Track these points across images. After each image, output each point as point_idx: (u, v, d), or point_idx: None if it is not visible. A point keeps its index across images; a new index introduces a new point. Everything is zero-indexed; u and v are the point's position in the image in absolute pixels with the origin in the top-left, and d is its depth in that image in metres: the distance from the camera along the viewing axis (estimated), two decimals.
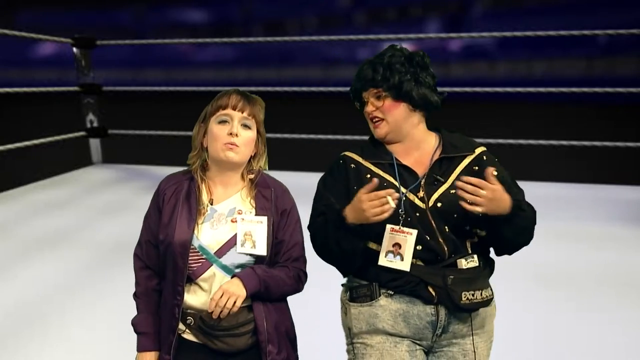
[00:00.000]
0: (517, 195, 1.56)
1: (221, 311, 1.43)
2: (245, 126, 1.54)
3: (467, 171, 1.55)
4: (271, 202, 1.56)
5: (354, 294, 1.56)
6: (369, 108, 1.58)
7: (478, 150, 1.60)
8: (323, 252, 1.56)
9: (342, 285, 1.65)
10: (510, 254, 1.63)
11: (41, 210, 4.35)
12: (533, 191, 5.33)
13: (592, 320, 2.65)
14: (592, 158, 5.90)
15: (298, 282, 1.57)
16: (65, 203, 4.56)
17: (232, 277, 1.48)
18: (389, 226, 1.49)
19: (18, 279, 3.13)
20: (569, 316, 2.69)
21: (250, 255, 1.51)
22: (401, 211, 1.48)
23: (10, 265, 3.31)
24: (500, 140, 5.02)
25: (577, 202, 4.34)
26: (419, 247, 1.49)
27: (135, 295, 1.59)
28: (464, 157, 1.58)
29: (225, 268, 1.50)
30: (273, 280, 1.50)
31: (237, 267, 1.51)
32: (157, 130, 5.98)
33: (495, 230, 1.51)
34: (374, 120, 1.58)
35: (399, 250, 1.48)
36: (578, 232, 3.71)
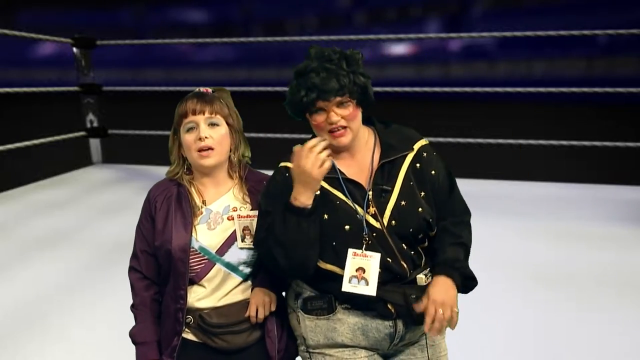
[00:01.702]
0: (455, 203, 1.55)
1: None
2: (213, 124, 1.52)
3: (410, 172, 1.50)
4: None
5: (308, 306, 1.50)
6: (333, 118, 1.42)
7: (417, 147, 1.53)
8: (279, 260, 1.42)
9: (289, 287, 1.59)
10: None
11: (41, 210, 4.35)
12: (533, 191, 5.36)
13: (592, 320, 2.65)
14: (592, 158, 5.89)
15: None
16: (65, 203, 4.56)
17: (252, 289, 1.53)
18: (351, 250, 1.43)
19: (18, 279, 3.13)
20: (569, 316, 2.68)
21: (252, 249, 1.52)
22: (365, 234, 1.43)
23: (10, 265, 3.31)
24: (500, 140, 5.02)
25: (577, 202, 4.34)
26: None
27: (132, 307, 1.57)
28: (404, 157, 1.51)
29: (229, 265, 1.51)
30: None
31: (242, 263, 1.51)
32: (157, 130, 5.97)
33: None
34: (335, 130, 1.44)
35: (363, 275, 1.42)
36: (578, 232, 3.70)
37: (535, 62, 15.98)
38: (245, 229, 1.51)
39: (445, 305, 1.38)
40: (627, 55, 13.93)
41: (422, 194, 1.50)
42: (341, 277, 1.45)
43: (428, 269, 1.50)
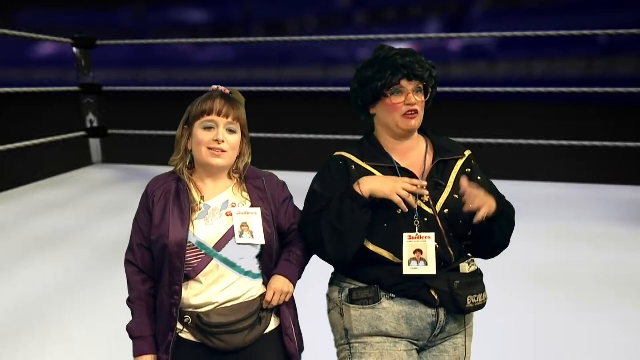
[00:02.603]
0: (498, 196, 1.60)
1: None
2: (231, 131, 1.53)
3: (461, 174, 1.58)
4: (265, 191, 1.58)
5: (353, 296, 1.54)
6: (411, 99, 1.53)
7: (467, 153, 1.64)
8: (326, 242, 1.51)
9: (332, 284, 1.64)
10: (493, 256, 1.65)
11: (41, 210, 4.35)
12: (533, 191, 5.35)
13: (592, 320, 2.65)
14: (592, 158, 5.89)
15: (309, 250, 1.62)
16: (65, 203, 4.55)
17: (273, 276, 1.55)
18: (406, 235, 1.49)
19: (18, 279, 3.13)
20: (569, 316, 2.68)
21: (250, 245, 1.52)
22: (416, 217, 1.50)
23: (10, 265, 3.31)
24: (500, 140, 5.02)
25: (577, 202, 4.34)
26: None
27: (129, 301, 1.58)
28: (457, 160, 1.61)
29: (226, 261, 1.50)
30: (303, 259, 1.60)
31: (240, 258, 1.52)
32: (157, 130, 5.98)
33: (486, 229, 1.53)
34: (409, 113, 1.54)
35: (422, 256, 1.48)
36: (578, 232, 3.70)
37: (535, 62, 15.97)
38: (243, 224, 1.51)
39: (487, 195, 1.47)
40: (627, 55, 13.93)
41: None
42: (389, 261, 1.51)
43: (471, 258, 1.56)
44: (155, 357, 1.53)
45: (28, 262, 3.35)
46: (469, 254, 1.60)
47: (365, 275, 1.54)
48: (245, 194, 1.57)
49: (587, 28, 4.85)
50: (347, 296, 1.56)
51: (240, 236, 1.51)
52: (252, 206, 1.55)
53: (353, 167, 1.56)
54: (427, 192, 1.49)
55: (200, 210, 1.53)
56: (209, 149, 1.51)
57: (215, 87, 1.60)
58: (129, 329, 1.55)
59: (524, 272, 3.07)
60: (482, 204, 1.44)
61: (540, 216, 4.01)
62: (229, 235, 1.51)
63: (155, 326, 1.55)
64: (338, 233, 1.48)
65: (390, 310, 1.52)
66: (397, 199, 1.44)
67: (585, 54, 14.94)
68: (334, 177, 1.57)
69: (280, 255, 1.60)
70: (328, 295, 1.64)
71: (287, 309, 1.59)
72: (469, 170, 1.60)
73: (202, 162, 1.54)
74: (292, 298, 1.61)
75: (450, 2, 19.00)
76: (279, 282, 1.54)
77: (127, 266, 1.59)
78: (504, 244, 1.60)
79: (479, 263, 1.60)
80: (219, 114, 1.51)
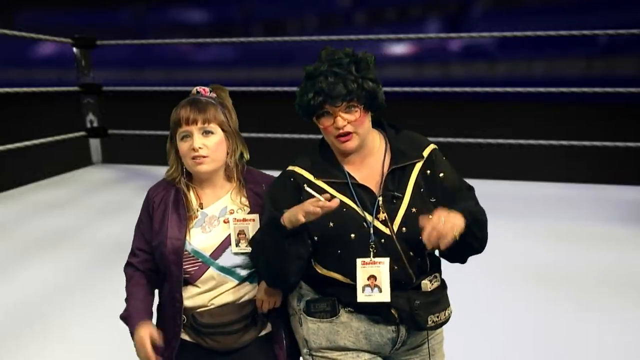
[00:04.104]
0: (467, 199, 1.49)
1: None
2: (207, 132, 1.49)
3: (420, 178, 1.49)
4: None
5: (311, 308, 1.49)
6: (339, 123, 1.42)
7: (426, 153, 1.52)
8: (259, 268, 1.50)
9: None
10: (463, 262, 1.53)
11: (41, 210, 4.35)
12: (533, 191, 5.35)
13: (592, 320, 2.65)
14: (592, 158, 5.89)
15: None
16: (65, 203, 4.55)
17: (260, 282, 1.52)
18: (359, 260, 1.42)
19: (18, 279, 3.13)
20: (569, 316, 2.68)
21: (246, 254, 1.51)
22: (372, 242, 1.43)
23: (10, 265, 3.31)
24: (500, 140, 5.02)
25: (577, 202, 4.34)
26: None
27: (126, 295, 1.58)
28: (414, 164, 1.50)
29: (223, 269, 1.49)
30: None
31: (236, 267, 1.51)
32: (157, 130, 5.97)
33: (457, 245, 1.36)
34: (342, 135, 1.43)
35: (375, 283, 1.42)
36: (578, 232, 3.70)
37: (535, 62, 15.97)
38: (240, 232, 1.50)
39: (448, 218, 1.32)
40: (627, 55, 13.93)
41: (433, 200, 1.49)
42: (345, 283, 1.45)
43: (433, 274, 1.50)
44: (150, 323, 1.50)
45: (28, 262, 3.35)
46: (433, 269, 1.51)
47: (322, 292, 1.50)
48: (244, 200, 1.55)
49: (587, 28, 4.85)
50: (304, 307, 1.52)
51: (237, 245, 1.50)
52: (250, 212, 1.53)
53: (305, 184, 1.46)
54: (338, 202, 1.32)
55: (197, 218, 1.52)
56: (192, 159, 1.49)
57: (193, 89, 1.58)
58: (123, 316, 1.55)
59: (524, 272, 3.07)
60: (444, 234, 1.30)
61: (540, 216, 4.01)
62: (226, 243, 1.50)
63: (151, 305, 1.54)
64: (269, 264, 1.43)
65: (349, 325, 1.47)
66: (308, 217, 1.33)
67: (585, 54, 14.93)
68: (287, 196, 1.48)
69: None
70: (289, 301, 1.58)
71: (278, 315, 1.57)
72: (429, 171, 1.49)
73: (191, 171, 1.54)
74: (284, 303, 1.59)
75: (450, 2, 19.00)
76: (266, 291, 1.52)
77: (127, 269, 1.59)
78: (480, 247, 1.48)
79: (478, 261, 1.58)
80: (187, 123, 1.48)
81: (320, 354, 1.51)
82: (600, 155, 5.67)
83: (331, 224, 1.43)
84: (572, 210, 4.14)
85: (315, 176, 1.49)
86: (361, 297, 1.42)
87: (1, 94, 4.73)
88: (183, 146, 1.50)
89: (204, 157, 1.49)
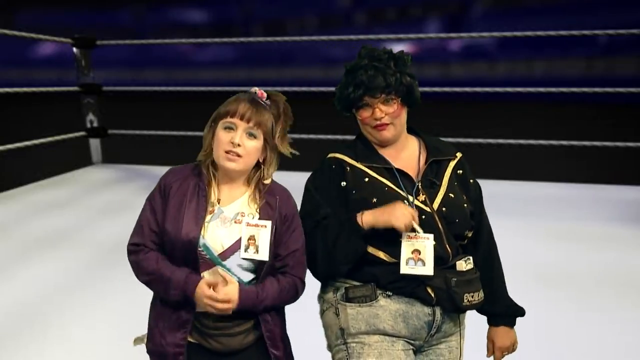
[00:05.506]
0: (482, 222, 1.65)
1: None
2: (251, 135, 1.48)
3: (454, 175, 1.59)
4: (275, 209, 1.52)
5: (350, 294, 1.53)
6: (378, 114, 1.54)
7: (459, 155, 1.65)
8: (318, 260, 1.53)
9: (325, 285, 1.61)
10: None
11: (41, 210, 4.35)
12: (533, 191, 5.34)
13: (592, 320, 2.65)
14: (592, 158, 5.90)
15: (295, 293, 1.54)
16: (65, 203, 4.56)
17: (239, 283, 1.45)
18: (405, 233, 1.48)
19: (18, 279, 3.13)
20: (569, 316, 2.68)
21: (252, 260, 1.49)
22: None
23: (10, 265, 3.31)
24: (500, 140, 5.02)
25: (577, 202, 4.34)
26: None
27: (147, 282, 1.49)
28: (449, 160, 1.61)
29: (228, 271, 1.48)
30: (269, 300, 1.48)
31: (244, 269, 1.49)
32: (157, 130, 5.98)
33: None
34: (379, 125, 1.55)
35: (419, 256, 1.47)
36: (578, 232, 3.70)
37: (535, 62, 15.99)
38: (250, 238, 1.48)
39: (509, 348, 1.72)
40: (627, 55, 13.95)
41: (464, 197, 1.59)
42: (386, 262, 1.50)
43: (467, 256, 1.55)
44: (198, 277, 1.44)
45: (28, 262, 3.35)
46: (467, 252, 1.60)
47: (361, 275, 1.53)
48: (256, 207, 1.52)
49: (587, 28, 4.86)
50: (343, 295, 1.54)
51: (246, 250, 1.47)
52: (260, 218, 1.50)
53: (348, 168, 1.56)
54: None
55: (213, 212, 1.50)
56: (226, 152, 1.48)
57: (254, 89, 1.57)
58: (176, 284, 1.44)
59: (523, 272, 3.07)
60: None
61: (540, 216, 4.01)
62: (235, 247, 1.47)
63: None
64: (331, 257, 1.50)
65: (387, 308, 1.51)
66: (401, 227, 1.44)
67: (585, 54, 14.96)
68: (326, 178, 1.57)
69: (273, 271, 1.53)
70: (321, 296, 1.61)
71: (271, 318, 1.53)
72: (461, 171, 1.61)
73: (218, 163, 1.51)
74: (283, 305, 1.56)
75: (450, 2, 19.02)
76: (233, 292, 1.44)
77: (133, 253, 1.51)
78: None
79: None
80: (240, 117, 1.47)
81: (357, 340, 1.52)
82: (600, 155, 5.68)
83: (374, 200, 1.50)
84: (572, 210, 4.14)
85: (358, 161, 1.57)
86: (404, 269, 1.47)
87: (1, 94, 4.73)
88: (223, 136, 1.48)
89: (239, 156, 1.47)
